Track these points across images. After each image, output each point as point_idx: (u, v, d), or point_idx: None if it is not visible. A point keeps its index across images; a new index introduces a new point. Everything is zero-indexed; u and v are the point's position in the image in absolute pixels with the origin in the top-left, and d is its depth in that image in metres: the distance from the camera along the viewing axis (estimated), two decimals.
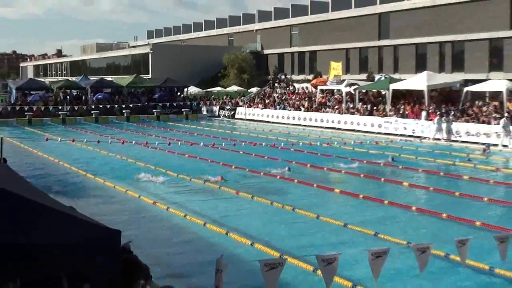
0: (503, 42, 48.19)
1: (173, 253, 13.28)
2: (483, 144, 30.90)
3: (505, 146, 30.73)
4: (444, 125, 34.12)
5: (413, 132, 36.83)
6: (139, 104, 57.14)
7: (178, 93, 63.30)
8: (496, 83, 37.28)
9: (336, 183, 21.78)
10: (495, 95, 36.48)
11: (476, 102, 36.82)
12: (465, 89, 37.75)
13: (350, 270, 10.97)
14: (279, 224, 15.61)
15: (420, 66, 52.90)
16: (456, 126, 34.37)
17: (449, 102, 38.24)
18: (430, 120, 36.11)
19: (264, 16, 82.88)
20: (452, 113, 36.12)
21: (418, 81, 40.31)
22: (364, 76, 57.02)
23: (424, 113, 37.19)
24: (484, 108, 35.62)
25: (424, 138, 35.42)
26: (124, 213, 16.84)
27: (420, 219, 16.09)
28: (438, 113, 35.11)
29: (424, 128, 36.17)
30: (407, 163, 25.95)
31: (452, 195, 19.01)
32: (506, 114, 32.35)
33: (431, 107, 37.56)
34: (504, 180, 22.30)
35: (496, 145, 30.82)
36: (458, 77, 45.78)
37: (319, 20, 68.25)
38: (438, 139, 34.06)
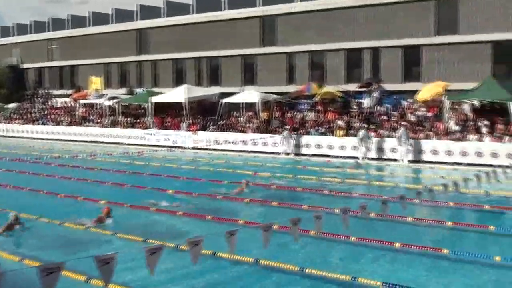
0: (255, 59, 49.02)
1: None
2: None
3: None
4: (291, 140, 30.98)
5: (175, 143, 35.85)
6: None
7: None
8: (250, 95, 37.51)
9: None
10: (250, 106, 36.75)
11: (233, 113, 36.84)
12: (222, 101, 37.57)
13: None
14: None
15: (179, 80, 52.06)
16: (217, 135, 34.14)
17: (208, 113, 37.96)
18: (190, 130, 35.46)
19: (22, 29, 76.45)
20: (211, 123, 35.78)
21: (177, 94, 39.65)
22: (124, 90, 55.22)
23: (184, 124, 36.53)
24: (241, 118, 35.70)
25: (186, 148, 34.55)
26: None
27: None
28: (286, 127, 31.85)
29: (185, 138, 35.44)
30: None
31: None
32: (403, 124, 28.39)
33: (189, 119, 36.94)
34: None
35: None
36: (215, 90, 45.70)
37: (79, 34, 64.36)
38: (288, 154, 30.81)
